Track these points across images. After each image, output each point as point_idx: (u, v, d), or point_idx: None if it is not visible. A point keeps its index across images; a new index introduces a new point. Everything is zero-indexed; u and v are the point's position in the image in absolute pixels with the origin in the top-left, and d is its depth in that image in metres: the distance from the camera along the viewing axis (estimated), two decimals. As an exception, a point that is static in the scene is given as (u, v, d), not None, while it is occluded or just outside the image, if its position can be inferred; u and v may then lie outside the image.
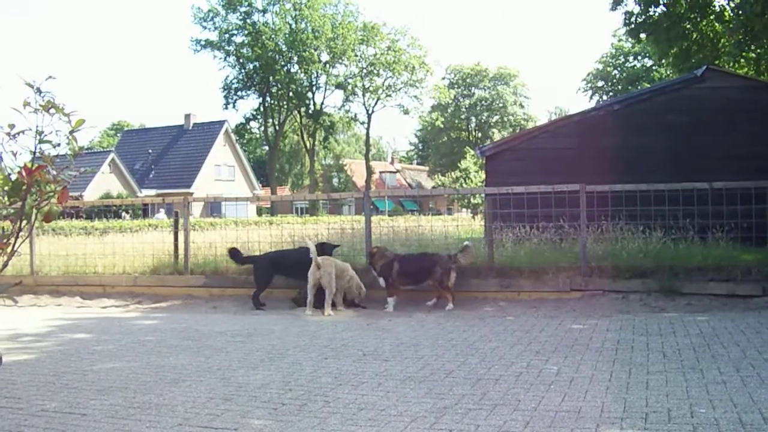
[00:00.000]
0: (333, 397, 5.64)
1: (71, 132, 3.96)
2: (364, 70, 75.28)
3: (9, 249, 3.91)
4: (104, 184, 53.88)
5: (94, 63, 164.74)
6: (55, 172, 3.93)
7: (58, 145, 3.97)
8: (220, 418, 5.14)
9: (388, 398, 5.57)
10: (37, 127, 3.91)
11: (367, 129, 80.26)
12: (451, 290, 10.80)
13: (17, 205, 4.02)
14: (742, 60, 25.17)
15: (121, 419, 5.19)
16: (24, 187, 3.91)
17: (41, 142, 3.91)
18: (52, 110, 3.86)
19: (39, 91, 3.85)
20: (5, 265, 3.94)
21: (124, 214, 31.28)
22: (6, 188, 3.98)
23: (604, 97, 70.10)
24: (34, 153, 3.91)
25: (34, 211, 3.99)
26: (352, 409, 5.28)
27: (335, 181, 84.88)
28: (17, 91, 4.03)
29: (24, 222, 4.02)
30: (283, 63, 71.80)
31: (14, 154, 3.93)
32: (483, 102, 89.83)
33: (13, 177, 3.98)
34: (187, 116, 70.02)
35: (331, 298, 10.62)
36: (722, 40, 25.38)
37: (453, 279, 10.83)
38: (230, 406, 5.45)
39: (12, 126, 3.87)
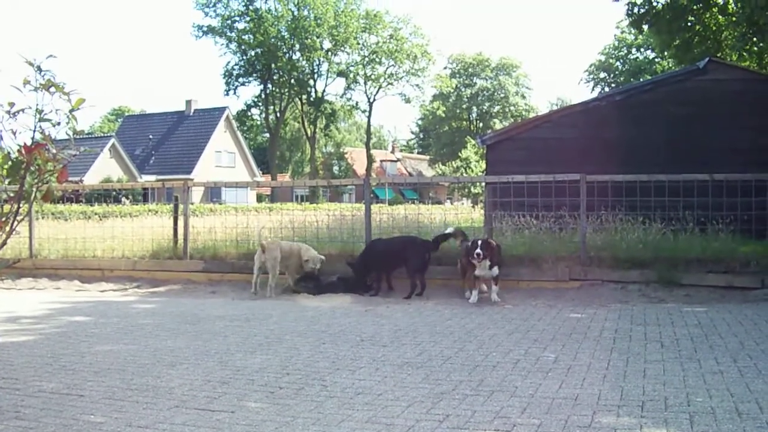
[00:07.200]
0: (330, 382, 5.65)
1: (71, 111, 3.94)
2: (366, 59, 75.01)
3: (8, 228, 3.90)
4: (104, 169, 53.70)
5: (95, 48, 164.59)
6: (54, 151, 3.92)
7: (58, 123, 3.95)
8: (218, 401, 5.15)
9: (385, 383, 5.59)
10: (37, 105, 3.90)
11: (369, 117, 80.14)
12: None
13: (16, 188, 4.02)
14: (745, 53, 25.09)
15: (118, 401, 5.20)
16: (24, 166, 3.90)
17: (41, 120, 3.90)
18: (52, 89, 3.85)
19: (39, 69, 3.84)
20: (4, 242, 3.93)
21: (123, 199, 31.20)
22: (6, 167, 3.97)
23: (606, 89, 69.86)
24: (34, 131, 3.89)
25: (34, 189, 3.98)
26: (349, 394, 5.29)
27: (336, 169, 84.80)
28: (17, 70, 4.02)
29: (23, 202, 4.01)
30: (285, 50, 71.43)
31: (14, 133, 3.91)
32: (485, 92, 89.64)
33: (13, 156, 3.98)
34: (188, 102, 69.63)
35: (273, 282, 11.08)
36: (725, 33, 25.31)
37: None
38: (227, 389, 5.47)
39: (12, 104, 3.85)
